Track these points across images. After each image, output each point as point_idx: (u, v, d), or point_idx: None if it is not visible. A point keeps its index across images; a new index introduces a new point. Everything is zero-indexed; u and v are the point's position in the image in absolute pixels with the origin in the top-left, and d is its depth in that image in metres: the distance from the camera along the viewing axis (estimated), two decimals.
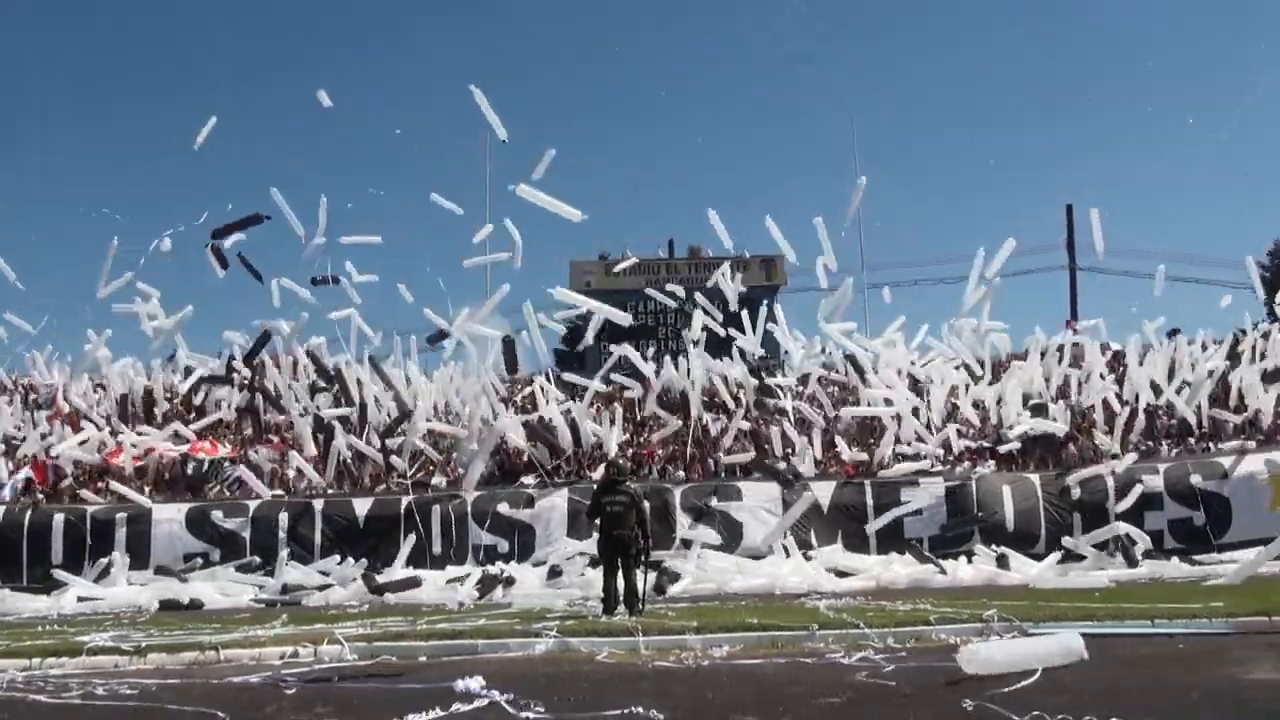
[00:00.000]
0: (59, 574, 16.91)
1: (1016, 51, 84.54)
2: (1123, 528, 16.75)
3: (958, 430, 20.27)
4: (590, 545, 16.46)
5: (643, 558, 12.13)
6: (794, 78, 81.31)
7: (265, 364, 23.75)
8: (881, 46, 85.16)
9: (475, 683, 7.48)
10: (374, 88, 78.49)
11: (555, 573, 16.24)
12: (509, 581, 15.62)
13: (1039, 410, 20.77)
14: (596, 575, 15.26)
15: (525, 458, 20.11)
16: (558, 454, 19.72)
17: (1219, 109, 74.16)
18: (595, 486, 14.01)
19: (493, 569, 16.43)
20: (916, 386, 22.31)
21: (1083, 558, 16.59)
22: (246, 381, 23.18)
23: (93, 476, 19.90)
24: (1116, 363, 23.69)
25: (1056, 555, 16.50)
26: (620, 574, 11.96)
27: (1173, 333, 24.63)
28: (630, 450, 20.13)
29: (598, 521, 12.52)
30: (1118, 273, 31.81)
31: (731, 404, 21.79)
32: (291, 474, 19.86)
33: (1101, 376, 21.87)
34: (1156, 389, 20.99)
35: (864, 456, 19.47)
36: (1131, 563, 16.10)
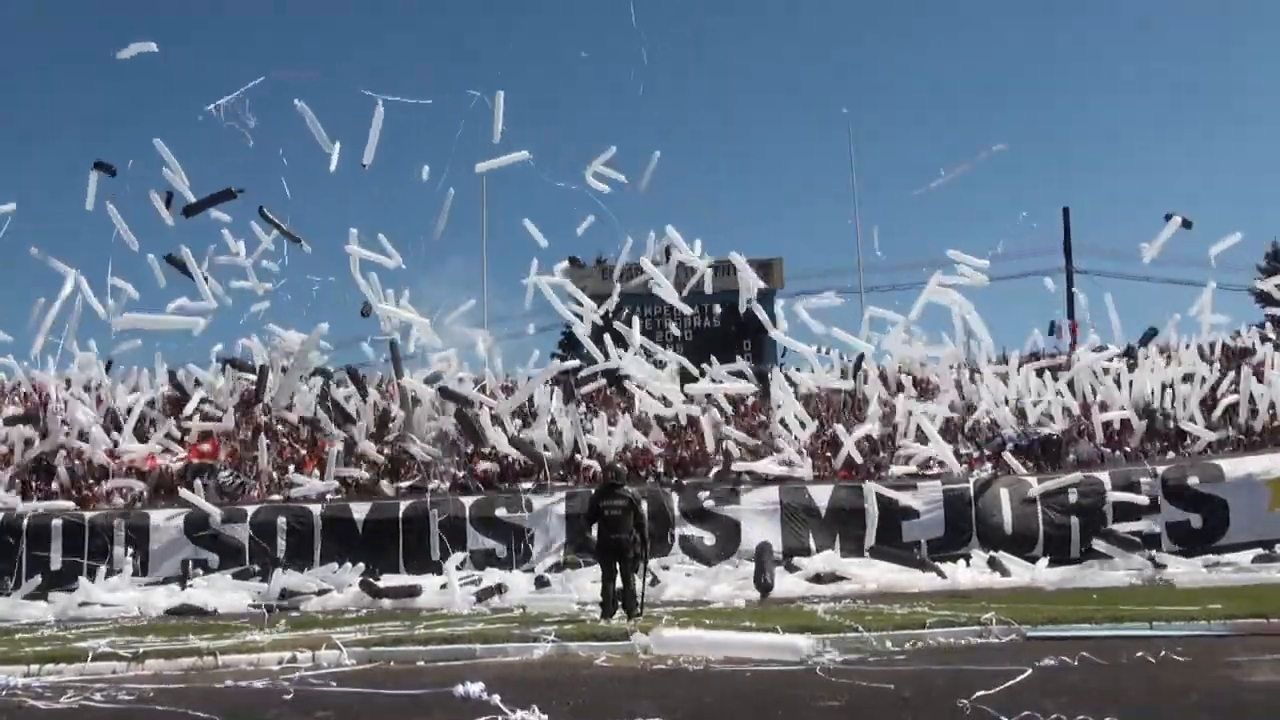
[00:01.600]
0: (83, 580, 16.88)
1: (1015, 50, 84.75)
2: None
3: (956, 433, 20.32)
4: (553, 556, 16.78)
5: (641, 561, 12.14)
6: (793, 78, 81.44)
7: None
8: (881, 46, 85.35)
9: (475, 687, 7.48)
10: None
11: (542, 582, 16.21)
12: (501, 589, 15.61)
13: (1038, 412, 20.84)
14: (583, 579, 15.31)
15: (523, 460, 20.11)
16: (546, 465, 19.65)
17: (1218, 109, 74.51)
18: (593, 490, 14.02)
19: (480, 574, 16.47)
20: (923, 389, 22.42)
21: (1075, 560, 16.73)
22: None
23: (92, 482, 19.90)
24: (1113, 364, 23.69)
25: (1045, 560, 16.62)
26: (619, 578, 11.96)
27: (1148, 337, 24.34)
28: (629, 453, 20.14)
29: (596, 526, 12.51)
30: (1113, 275, 31.81)
31: (730, 408, 21.82)
32: (289, 478, 19.86)
33: (1098, 379, 21.92)
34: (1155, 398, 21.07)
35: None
36: (1156, 565, 16.09)
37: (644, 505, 12.60)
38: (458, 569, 16.78)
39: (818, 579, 15.96)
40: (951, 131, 75.29)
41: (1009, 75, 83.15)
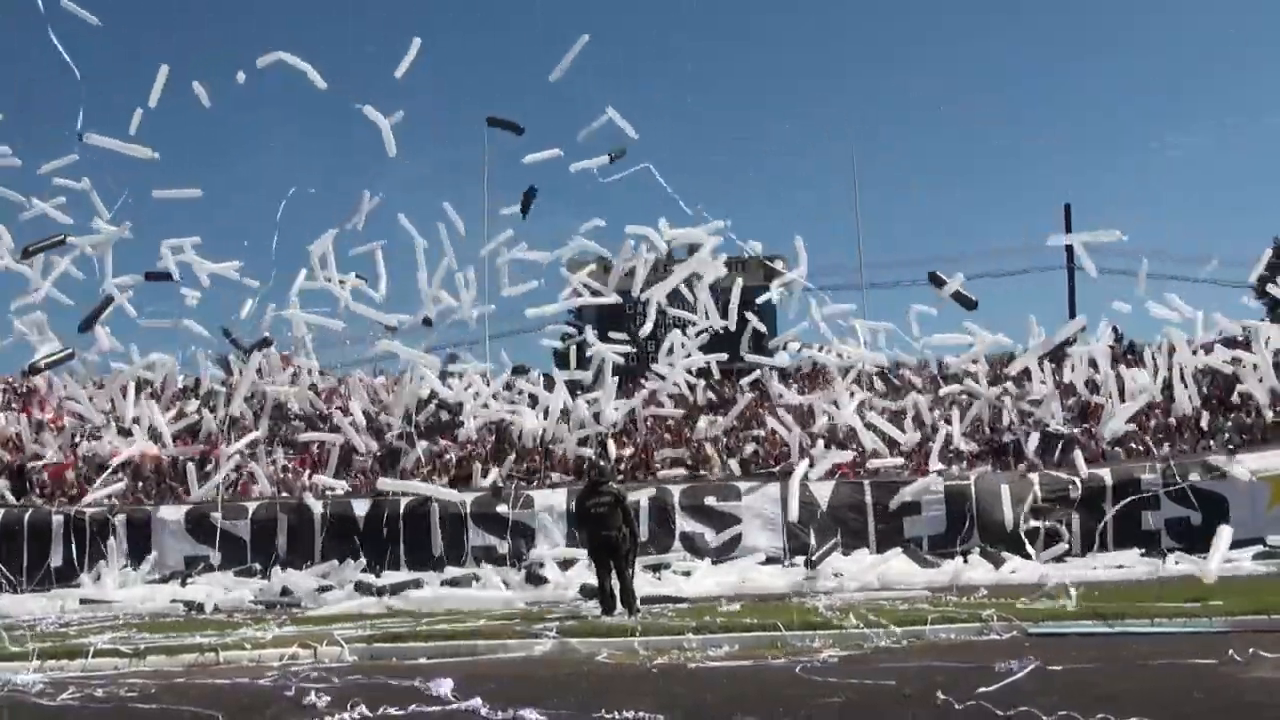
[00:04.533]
0: (84, 577, 16.92)
1: (1014, 49, 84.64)
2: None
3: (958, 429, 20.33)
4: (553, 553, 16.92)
5: (633, 556, 12.14)
6: (791, 78, 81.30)
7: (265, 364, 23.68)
8: (880, 46, 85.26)
9: (447, 684, 7.50)
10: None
11: (541, 580, 16.15)
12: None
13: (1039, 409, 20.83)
14: (574, 577, 15.28)
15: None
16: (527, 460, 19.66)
17: (1217, 108, 74.38)
18: (579, 491, 13.95)
19: (480, 570, 16.51)
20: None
21: (1076, 557, 16.75)
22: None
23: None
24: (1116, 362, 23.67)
25: (1046, 556, 16.64)
26: (614, 574, 11.97)
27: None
28: (630, 451, 20.14)
29: (585, 525, 12.51)
30: (1116, 272, 31.65)
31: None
32: (289, 476, 19.86)
33: (1098, 374, 21.91)
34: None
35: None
36: (1158, 560, 16.06)
37: (630, 499, 12.56)
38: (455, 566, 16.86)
39: (819, 576, 15.94)
40: (952, 130, 75.31)
41: (1009, 74, 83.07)
